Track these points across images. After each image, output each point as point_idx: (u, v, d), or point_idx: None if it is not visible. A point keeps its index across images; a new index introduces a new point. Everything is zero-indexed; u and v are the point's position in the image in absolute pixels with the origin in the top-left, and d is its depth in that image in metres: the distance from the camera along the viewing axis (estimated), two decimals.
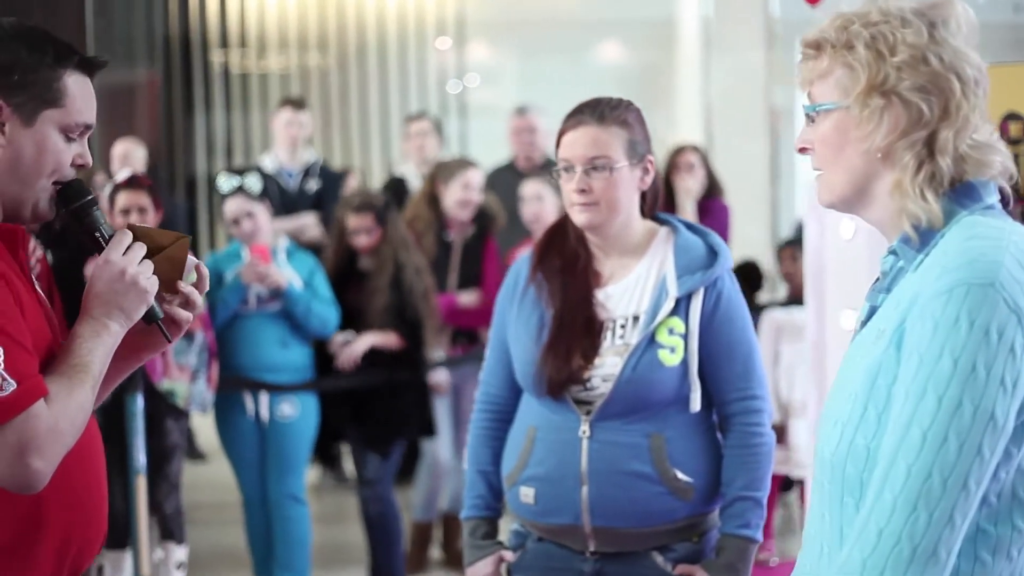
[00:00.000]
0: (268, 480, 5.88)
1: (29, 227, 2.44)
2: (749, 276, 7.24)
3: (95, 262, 2.35)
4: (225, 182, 5.86)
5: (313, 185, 7.63)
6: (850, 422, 1.93)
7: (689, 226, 3.23)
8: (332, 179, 7.79)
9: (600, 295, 3.16)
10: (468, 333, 6.68)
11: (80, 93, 2.31)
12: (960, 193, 1.95)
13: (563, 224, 3.25)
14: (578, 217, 3.12)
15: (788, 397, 6.31)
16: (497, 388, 3.32)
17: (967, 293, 1.80)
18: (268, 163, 7.65)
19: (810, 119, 2.07)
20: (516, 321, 3.23)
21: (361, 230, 5.99)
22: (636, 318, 3.11)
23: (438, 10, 12.29)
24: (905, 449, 1.79)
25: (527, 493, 3.15)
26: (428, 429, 6.23)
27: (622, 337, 3.10)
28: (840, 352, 5.34)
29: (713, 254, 3.16)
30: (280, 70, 12.14)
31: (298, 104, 7.83)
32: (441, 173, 6.73)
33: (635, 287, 3.15)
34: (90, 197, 2.37)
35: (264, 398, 5.80)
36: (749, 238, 9.34)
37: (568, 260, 3.20)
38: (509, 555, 3.26)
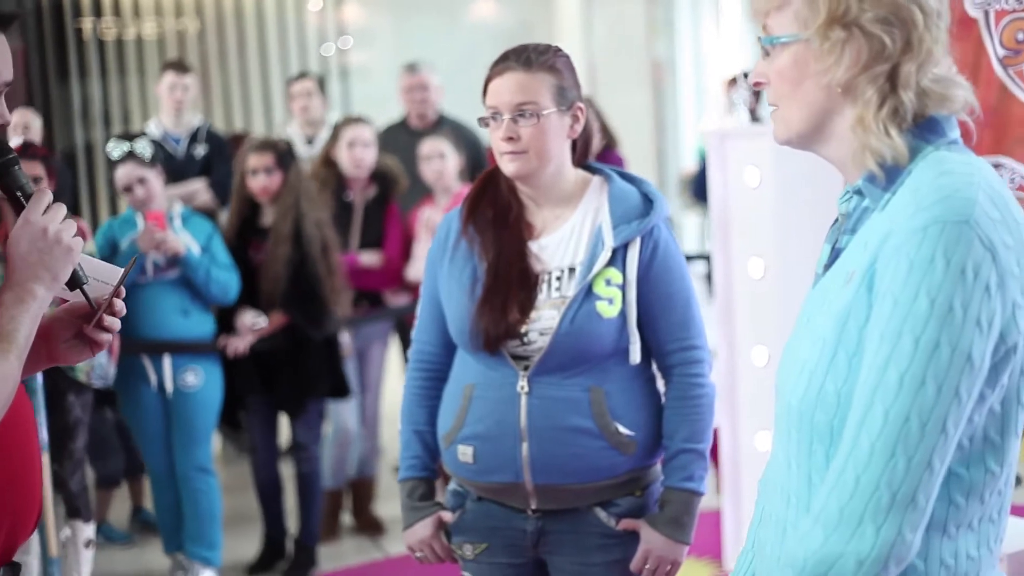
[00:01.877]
0: (175, 452, 5.75)
1: None
2: None
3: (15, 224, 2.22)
4: (115, 148, 5.64)
5: (200, 150, 7.47)
6: (818, 368, 1.88)
7: (623, 175, 3.17)
8: (219, 143, 7.62)
9: (534, 247, 3.09)
10: (370, 295, 6.58)
11: None
12: (924, 128, 1.91)
13: (494, 175, 3.17)
14: (507, 167, 3.04)
15: None
16: (431, 346, 3.24)
17: (942, 231, 1.75)
18: (153, 128, 7.49)
19: (765, 52, 2.01)
20: (448, 276, 3.15)
21: (260, 169, 5.85)
22: (572, 270, 3.05)
23: None
24: (882, 393, 1.75)
25: (465, 452, 3.09)
26: (341, 388, 6.11)
27: (558, 289, 3.04)
28: (748, 300, 5.38)
29: (648, 202, 3.10)
30: (156, 35, 11.90)
31: (182, 67, 7.65)
32: (333, 133, 6.64)
33: (570, 238, 3.08)
34: (11, 156, 2.26)
35: (168, 369, 5.66)
36: None
37: (500, 211, 3.12)
38: (448, 516, 3.20)
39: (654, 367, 3.16)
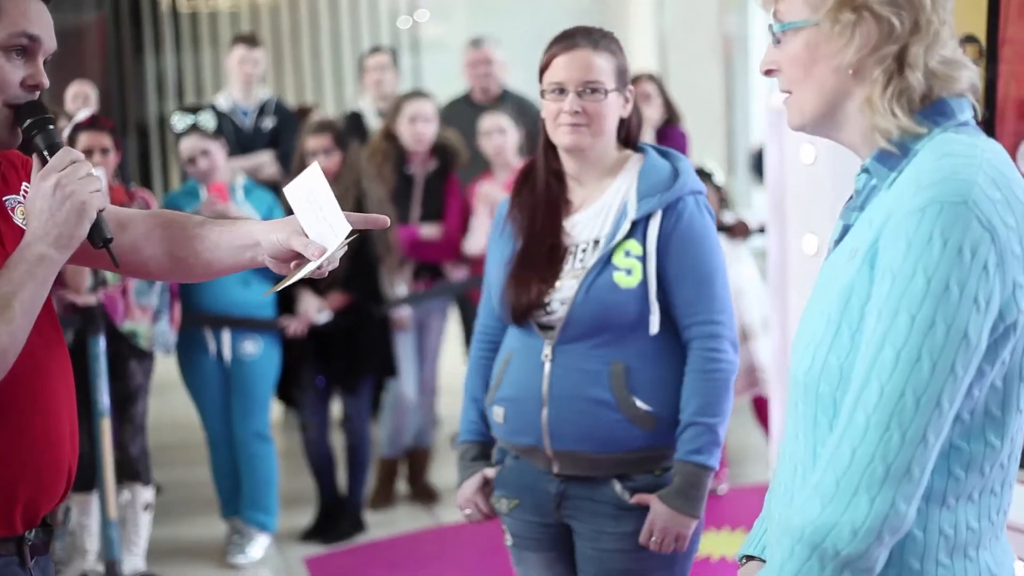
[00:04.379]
0: (233, 419, 5.87)
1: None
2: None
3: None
4: (179, 120, 5.76)
5: (268, 123, 7.55)
6: (823, 342, 1.91)
7: (660, 151, 3.24)
8: (287, 116, 7.71)
9: (567, 224, 3.20)
10: (431, 268, 6.66)
11: (15, 6, 2.16)
12: (933, 110, 1.93)
13: (534, 163, 3.30)
14: (565, 138, 3.15)
15: (740, 321, 6.34)
16: (489, 319, 3.40)
17: (940, 211, 1.78)
18: (222, 101, 7.57)
19: (775, 39, 2.04)
20: (496, 254, 3.31)
21: (319, 150, 5.92)
22: (597, 242, 3.14)
23: None
24: (878, 369, 1.78)
25: (498, 412, 3.25)
26: (389, 369, 6.25)
27: (581, 261, 3.14)
28: (801, 276, 5.39)
29: (676, 176, 3.17)
30: (230, 8, 12.01)
31: (252, 41, 7.72)
32: (395, 107, 6.70)
33: (600, 213, 3.18)
34: (45, 116, 2.21)
35: (226, 337, 5.79)
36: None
37: (539, 194, 3.24)
38: (491, 472, 3.35)
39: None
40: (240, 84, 7.56)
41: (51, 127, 2.21)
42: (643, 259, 3.10)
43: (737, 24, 12.61)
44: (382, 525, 6.34)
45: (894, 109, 1.91)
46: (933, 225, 1.77)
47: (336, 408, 6.39)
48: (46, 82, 2.24)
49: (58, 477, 2.30)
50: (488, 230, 6.29)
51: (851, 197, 2.09)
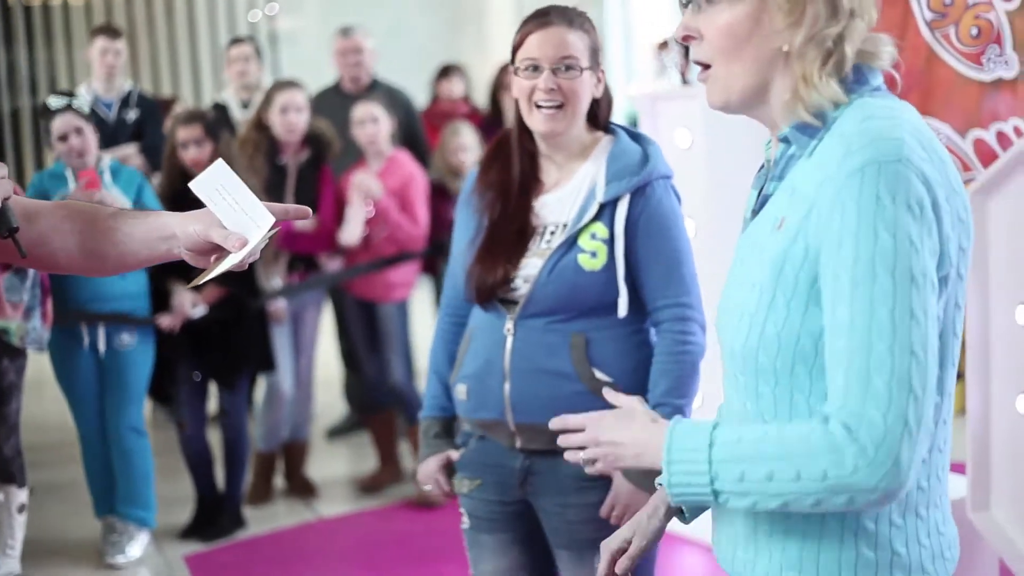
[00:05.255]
0: (107, 412, 5.77)
1: None
2: None
3: None
4: (55, 101, 5.71)
5: (132, 115, 7.42)
6: (758, 312, 1.92)
7: (632, 134, 3.26)
8: (151, 107, 7.57)
9: (537, 204, 3.21)
10: (305, 259, 6.59)
11: None
12: (850, 78, 1.96)
13: (507, 136, 3.29)
14: (541, 125, 3.15)
15: None
16: (454, 291, 3.38)
17: (879, 170, 1.80)
18: (84, 94, 7.42)
19: (697, 5, 1.99)
20: (460, 228, 3.31)
21: (190, 141, 5.85)
22: (565, 225, 3.16)
23: None
24: (878, 332, 1.78)
25: (461, 390, 3.28)
26: (267, 362, 6.19)
27: (548, 242, 3.15)
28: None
29: (646, 160, 3.18)
30: (83, 1, 11.79)
31: (113, 32, 7.57)
32: (266, 98, 6.63)
33: (570, 195, 3.19)
34: None
35: (101, 328, 5.69)
36: None
37: (513, 176, 3.24)
38: (454, 454, 3.35)
39: (651, 329, 3.23)
40: (102, 76, 7.41)
41: None
42: (609, 242, 3.11)
43: (595, 12, 12.70)
44: (261, 520, 6.28)
45: (829, 83, 1.93)
46: (876, 184, 1.80)
47: (211, 404, 6.30)
48: None
49: None
50: (362, 220, 6.33)
51: (762, 167, 2.10)
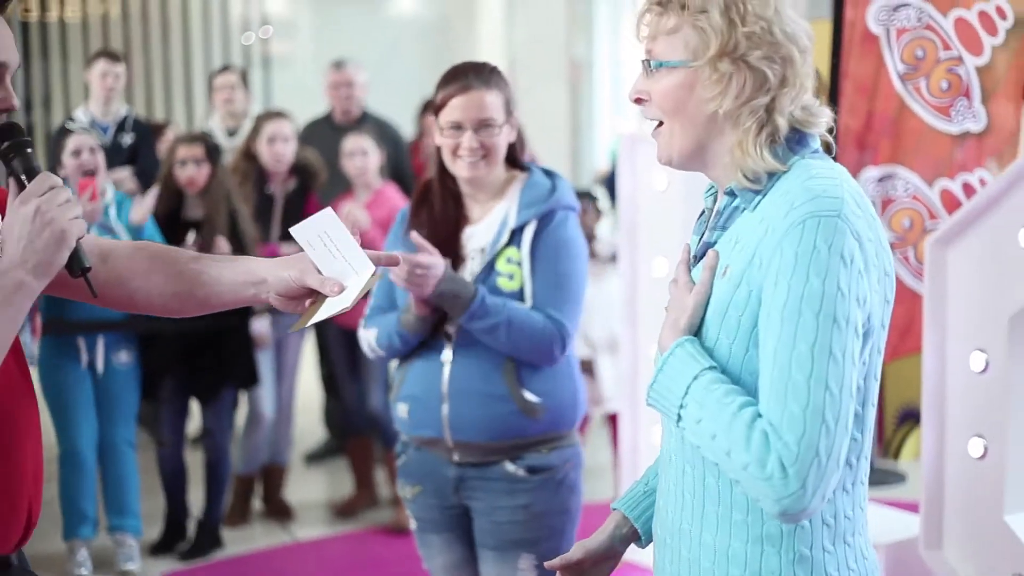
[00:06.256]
0: (104, 428, 5.90)
1: None
2: None
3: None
4: (74, 124, 5.98)
5: (127, 139, 7.53)
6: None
7: (545, 171, 3.60)
8: (145, 132, 7.69)
9: (464, 236, 3.53)
10: None
11: None
12: (792, 141, 2.14)
13: (430, 183, 3.59)
14: (465, 172, 3.48)
15: (592, 336, 6.55)
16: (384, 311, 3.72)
17: (818, 224, 1.98)
18: (81, 116, 7.53)
19: (648, 71, 2.18)
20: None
21: (190, 159, 6.05)
22: (483, 250, 3.50)
23: None
24: (797, 364, 1.95)
25: (402, 409, 3.60)
26: (252, 379, 6.30)
27: (471, 270, 3.49)
28: (652, 298, 5.58)
29: (553, 191, 3.52)
30: (79, 19, 11.90)
31: (114, 56, 7.69)
32: (254, 127, 6.80)
33: (491, 224, 3.52)
34: (23, 139, 2.16)
35: (100, 347, 5.83)
36: None
37: (437, 215, 3.55)
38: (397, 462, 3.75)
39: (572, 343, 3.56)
40: (100, 99, 7.51)
41: (29, 150, 2.16)
42: (522, 264, 3.46)
43: (584, 48, 12.82)
44: (239, 541, 6.40)
45: (763, 153, 2.11)
46: (815, 235, 1.98)
47: (192, 426, 6.40)
48: (16, 103, 2.20)
49: (15, 520, 2.25)
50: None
51: (702, 213, 2.27)
